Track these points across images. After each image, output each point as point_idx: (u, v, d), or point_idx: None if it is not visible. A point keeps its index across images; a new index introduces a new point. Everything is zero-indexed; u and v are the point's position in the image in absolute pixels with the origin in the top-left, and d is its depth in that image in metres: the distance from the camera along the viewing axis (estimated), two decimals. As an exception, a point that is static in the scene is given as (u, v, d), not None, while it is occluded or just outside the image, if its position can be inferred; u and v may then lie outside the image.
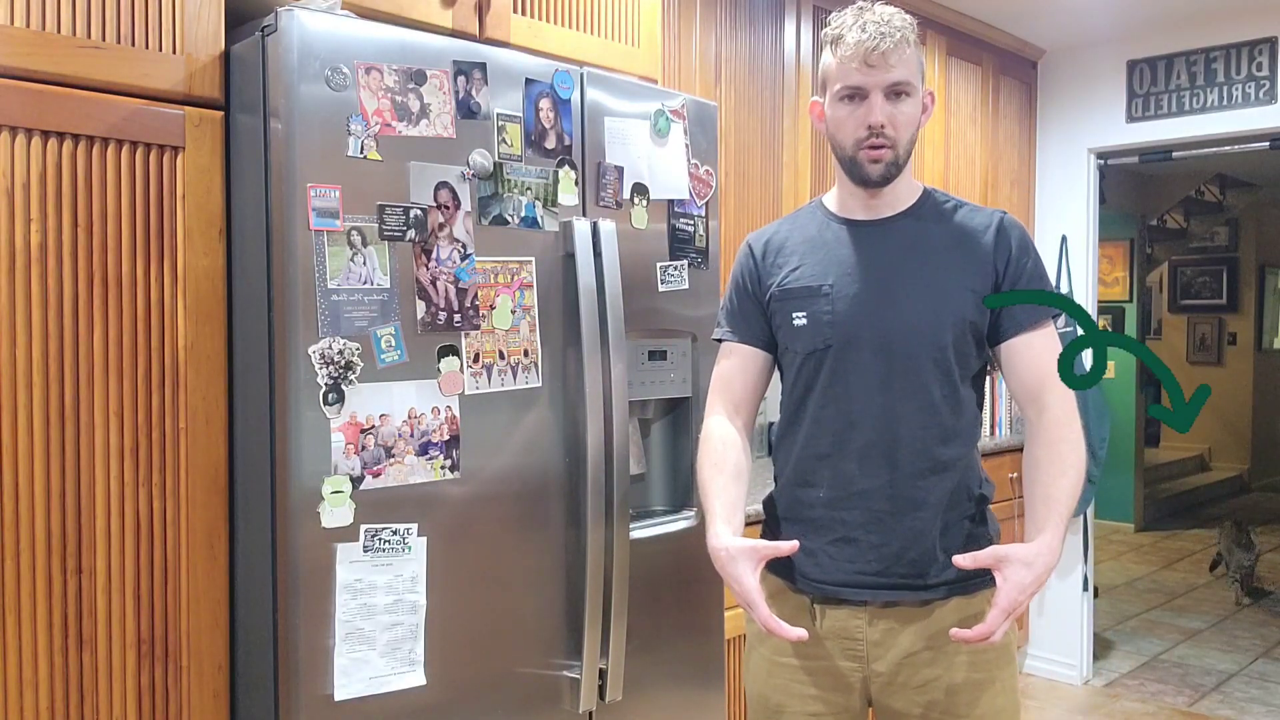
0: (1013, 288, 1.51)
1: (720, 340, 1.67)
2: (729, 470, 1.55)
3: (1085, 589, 4.08)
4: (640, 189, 1.93)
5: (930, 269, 1.50)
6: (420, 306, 1.61)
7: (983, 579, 1.48)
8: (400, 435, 1.58)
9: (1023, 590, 1.34)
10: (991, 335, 1.53)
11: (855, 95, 1.47)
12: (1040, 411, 1.49)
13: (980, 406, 1.58)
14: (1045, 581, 1.38)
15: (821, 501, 1.53)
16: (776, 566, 1.57)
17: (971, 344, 1.51)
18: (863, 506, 1.49)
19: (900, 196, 1.55)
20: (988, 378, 1.68)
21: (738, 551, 1.42)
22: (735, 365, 1.64)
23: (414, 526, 1.60)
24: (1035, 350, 1.50)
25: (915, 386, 1.49)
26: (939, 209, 1.56)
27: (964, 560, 1.37)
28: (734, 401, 1.63)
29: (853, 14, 1.48)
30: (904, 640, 1.49)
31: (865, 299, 1.51)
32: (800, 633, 1.38)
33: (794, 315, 1.55)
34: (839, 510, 1.51)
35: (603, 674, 1.83)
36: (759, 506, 1.72)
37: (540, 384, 1.77)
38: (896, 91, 1.47)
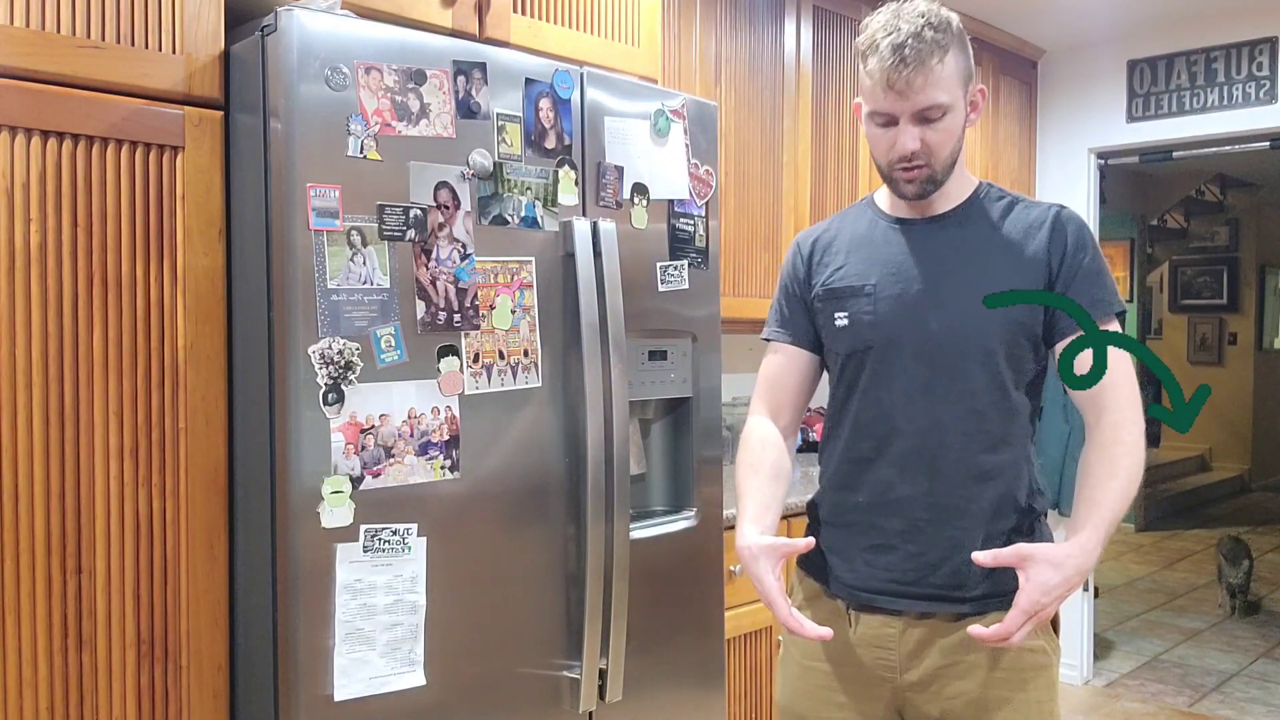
0: (1068, 286, 1.43)
1: (768, 339, 1.65)
2: (765, 471, 1.53)
3: (1086, 589, 4.09)
4: (640, 189, 1.93)
5: (979, 269, 1.45)
6: (420, 306, 1.61)
7: None
8: (400, 435, 1.58)
9: (1046, 592, 1.28)
10: (1047, 336, 1.46)
11: (886, 120, 1.42)
12: (1099, 414, 1.41)
13: (1036, 414, 1.51)
14: (1076, 585, 1.31)
15: (860, 506, 1.50)
16: (813, 570, 1.56)
17: (1026, 348, 1.45)
18: (901, 514, 1.46)
19: (950, 195, 1.50)
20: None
21: (759, 550, 1.41)
22: (780, 364, 1.61)
23: (414, 526, 1.60)
24: None
25: (960, 392, 1.44)
26: (992, 206, 1.50)
27: (984, 557, 1.32)
28: (777, 401, 1.61)
29: (883, 22, 1.38)
30: (936, 653, 1.45)
31: (908, 300, 1.46)
32: (823, 631, 1.36)
33: (836, 315, 1.52)
34: (877, 516, 1.48)
35: (603, 674, 1.83)
36: (793, 500, 1.71)
37: (540, 384, 1.77)
38: (928, 116, 1.39)
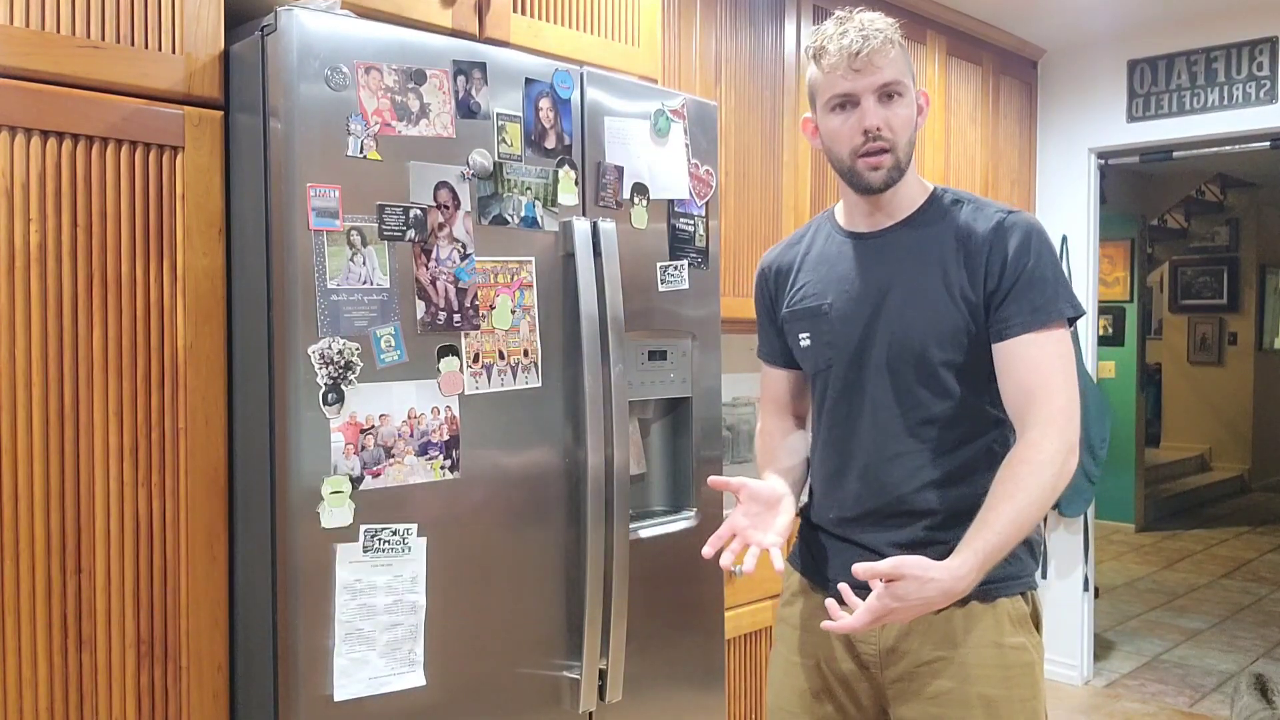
0: (1007, 294, 1.41)
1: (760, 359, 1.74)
2: (781, 449, 1.62)
3: (1086, 589, 4.08)
4: (640, 189, 1.93)
5: (925, 279, 1.45)
6: (420, 306, 1.61)
7: (1003, 584, 1.44)
8: (400, 435, 1.58)
9: (899, 600, 1.26)
10: (992, 336, 1.44)
11: (846, 102, 1.43)
12: (1023, 428, 1.38)
13: (998, 409, 1.48)
14: (935, 605, 1.30)
15: (833, 521, 1.54)
16: (801, 565, 1.61)
17: (971, 352, 1.44)
18: (872, 523, 1.49)
19: (903, 203, 1.50)
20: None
21: (757, 487, 1.48)
22: (771, 380, 1.71)
23: (414, 527, 1.60)
24: (1026, 357, 1.39)
25: (913, 402, 1.46)
26: (943, 211, 1.49)
27: (860, 570, 1.28)
28: (780, 403, 1.70)
29: (833, 23, 1.45)
30: (918, 648, 1.46)
31: (860, 316, 1.49)
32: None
33: (800, 336, 1.57)
34: (850, 529, 1.52)
35: (603, 674, 1.83)
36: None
37: (540, 384, 1.77)
38: (888, 93, 1.42)
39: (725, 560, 1.41)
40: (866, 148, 1.43)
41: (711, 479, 1.48)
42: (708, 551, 1.42)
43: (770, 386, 1.71)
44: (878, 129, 1.42)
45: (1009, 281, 1.41)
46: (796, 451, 1.64)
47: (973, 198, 1.52)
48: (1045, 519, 3.66)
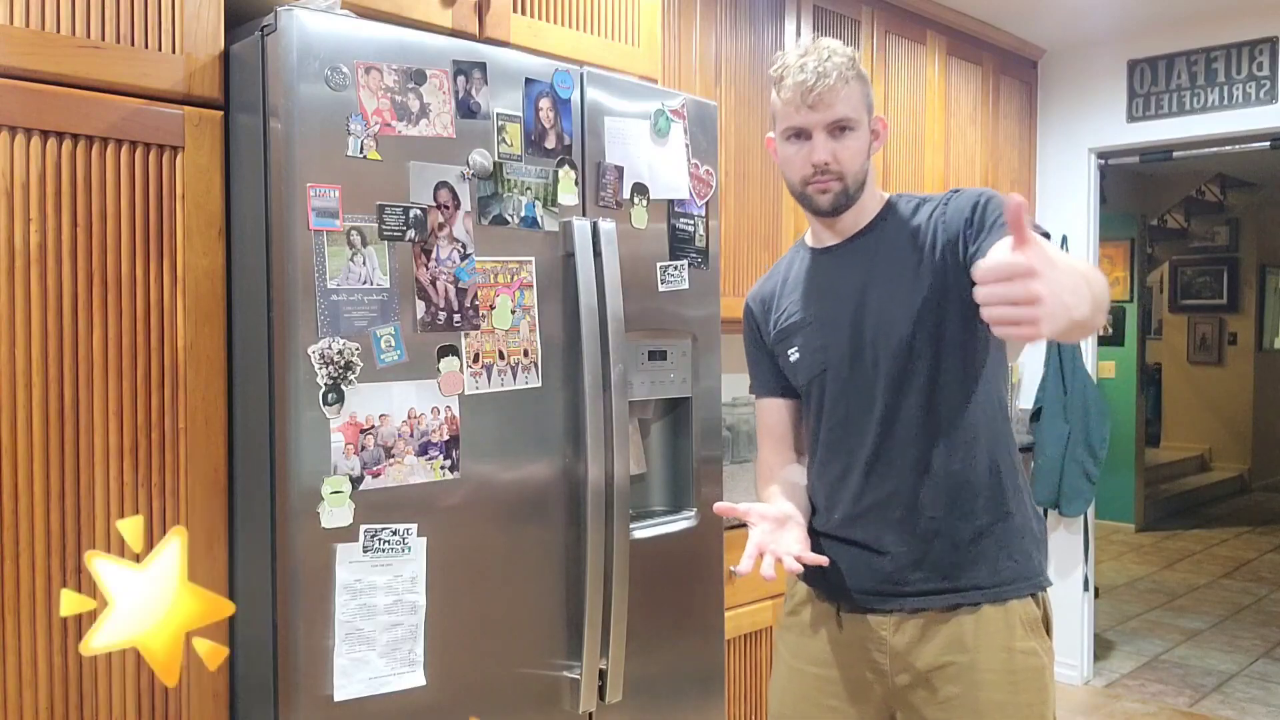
0: (979, 230, 1.40)
1: (752, 394, 1.75)
2: (779, 477, 1.63)
3: (1086, 589, 4.08)
4: (640, 189, 1.93)
5: (895, 276, 1.50)
6: (420, 306, 1.61)
7: (1014, 586, 1.47)
8: (400, 435, 1.58)
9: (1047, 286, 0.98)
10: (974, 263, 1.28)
11: (800, 134, 1.50)
12: None
13: (997, 397, 1.50)
14: (1072, 291, 1.01)
15: (839, 522, 1.55)
16: (807, 575, 1.59)
17: (959, 333, 1.46)
18: (877, 519, 1.50)
19: (863, 214, 1.56)
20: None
21: (773, 510, 1.47)
22: (768, 413, 1.72)
23: (414, 527, 1.60)
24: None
25: (905, 396, 1.48)
26: (903, 210, 1.55)
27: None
28: (779, 436, 1.70)
29: (795, 54, 1.50)
30: (928, 652, 1.47)
31: (843, 319, 1.53)
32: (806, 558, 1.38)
33: (789, 352, 1.61)
34: (856, 528, 1.52)
35: (603, 674, 1.83)
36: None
37: (540, 384, 1.77)
38: (840, 127, 1.48)
39: (766, 570, 1.39)
40: (815, 178, 1.50)
41: (718, 506, 1.46)
42: (746, 568, 1.38)
43: (768, 420, 1.71)
44: (825, 164, 1.48)
45: (975, 226, 1.42)
46: (795, 479, 1.65)
47: (927, 195, 1.59)
48: (1045, 517, 3.64)
